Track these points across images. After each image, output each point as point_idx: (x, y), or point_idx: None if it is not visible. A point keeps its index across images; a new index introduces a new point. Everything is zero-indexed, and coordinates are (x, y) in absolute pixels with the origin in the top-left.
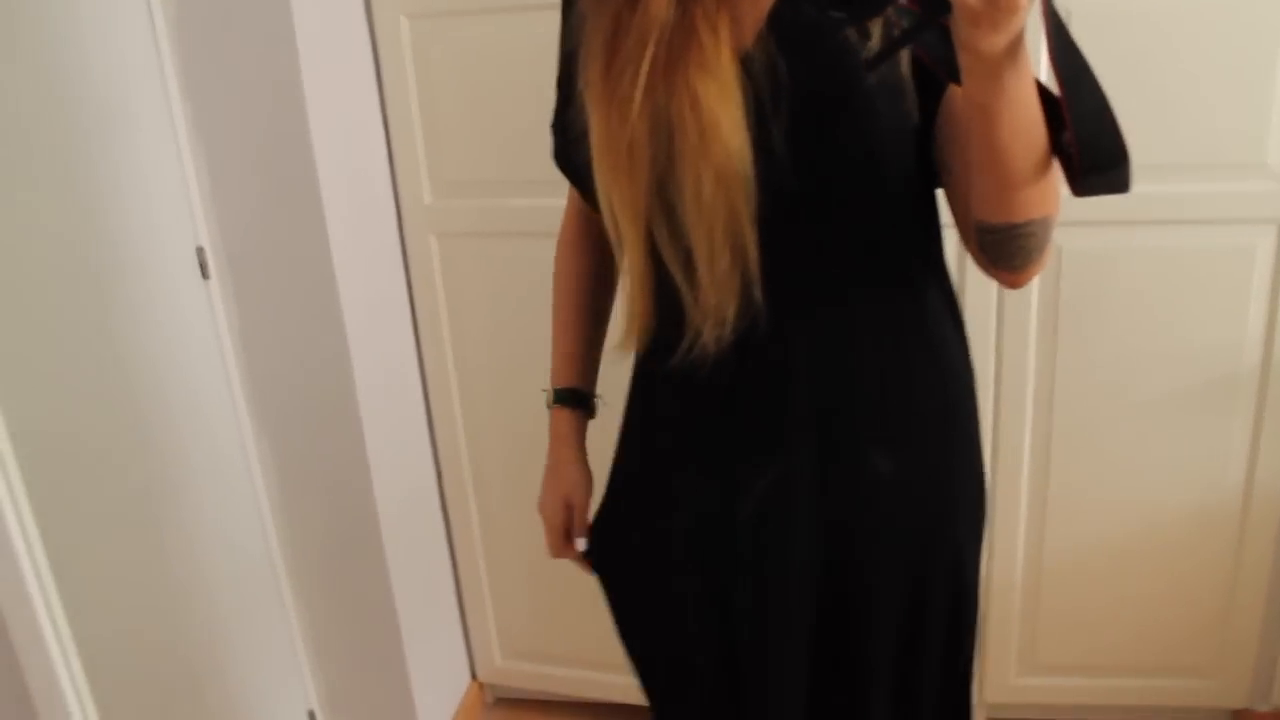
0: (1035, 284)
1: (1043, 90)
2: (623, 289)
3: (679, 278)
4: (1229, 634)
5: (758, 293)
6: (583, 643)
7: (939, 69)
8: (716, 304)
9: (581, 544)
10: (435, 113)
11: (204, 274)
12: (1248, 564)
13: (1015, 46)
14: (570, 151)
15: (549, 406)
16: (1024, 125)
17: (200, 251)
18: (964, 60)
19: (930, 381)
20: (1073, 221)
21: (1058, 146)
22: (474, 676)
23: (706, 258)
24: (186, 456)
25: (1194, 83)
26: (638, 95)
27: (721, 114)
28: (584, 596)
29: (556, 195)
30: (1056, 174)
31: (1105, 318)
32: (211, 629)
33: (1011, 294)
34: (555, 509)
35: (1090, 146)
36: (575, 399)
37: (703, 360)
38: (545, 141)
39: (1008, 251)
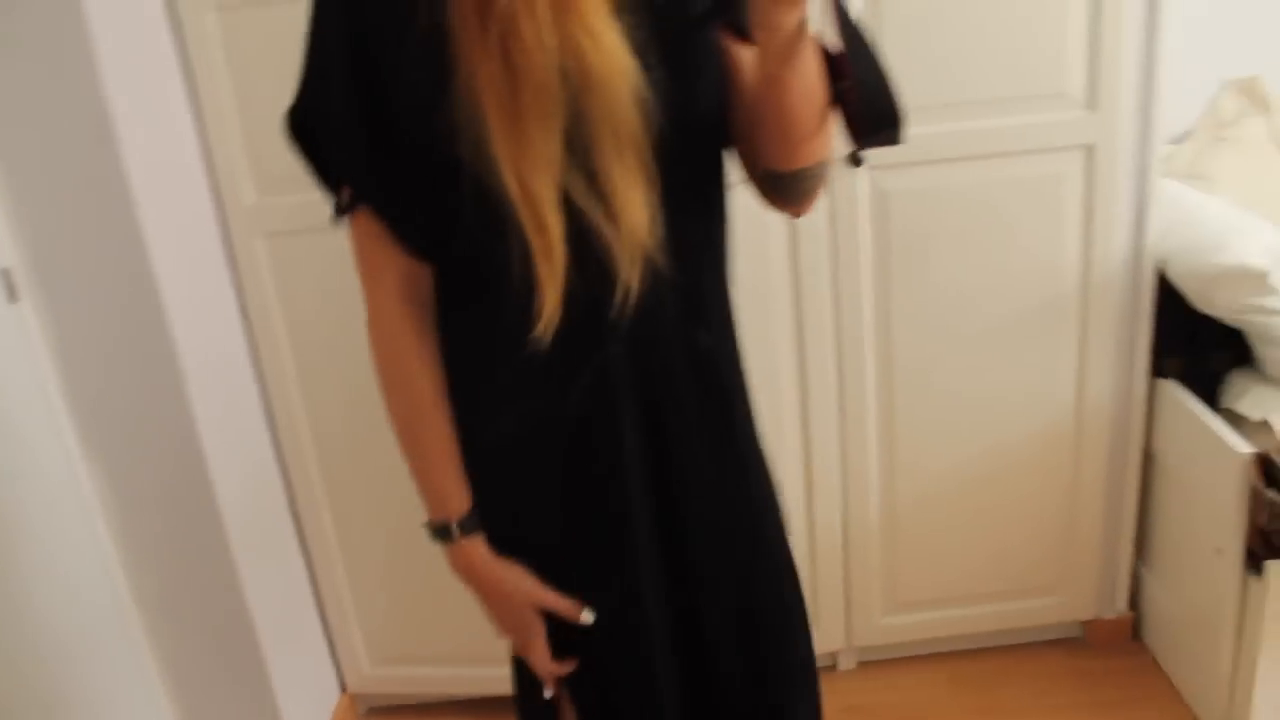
0: (867, 229)
1: (824, 52)
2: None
3: (601, 220)
4: (1073, 551)
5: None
6: (451, 640)
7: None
8: (639, 241)
9: (589, 615)
10: (254, 108)
11: (12, 296)
12: (1084, 481)
13: (803, 23)
14: (400, 146)
15: (448, 542)
16: (808, 89)
17: (6, 273)
18: (760, 37)
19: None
20: (897, 163)
21: (836, 99)
22: (344, 688)
23: (624, 191)
24: (12, 490)
25: (997, 20)
26: (537, 39)
27: (616, 45)
28: (447, 593)
29: None
30: (832, 123)
31: (934, 255)
32: (57, 665)
33: (845, 239)
34: (530, 621)
35: (868, 110)
36: (476, 523)
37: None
38: None
39: (796, 192)
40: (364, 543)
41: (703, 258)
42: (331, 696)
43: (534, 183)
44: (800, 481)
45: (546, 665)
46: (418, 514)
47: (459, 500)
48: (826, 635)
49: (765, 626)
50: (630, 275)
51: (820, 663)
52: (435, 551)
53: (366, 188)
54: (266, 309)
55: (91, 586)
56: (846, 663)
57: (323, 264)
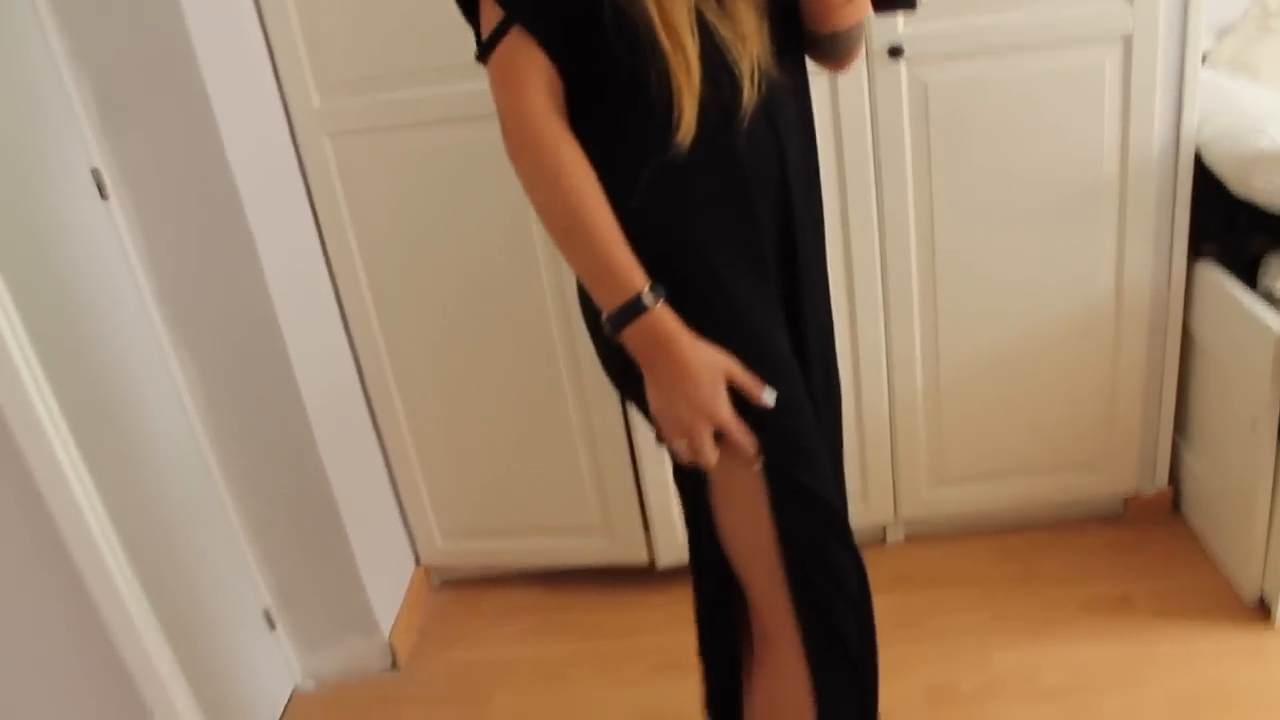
0: (906, 118)
1: None
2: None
3: (730, 36)
4: (1114, 427)
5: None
6: (517, 513)
7: None
8: (760, 54)
9: (770, 395)
10: (313, 13)
11: (102, 195)
12: (1124, 360)
13: None
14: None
15: (640, 312)
16: None
17: (96, 173)
18: None
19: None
20: (937, 55)
21: None
22: (418, 561)
23: (744, 11)
24: (110, 377)
25: None
26: None
27: None
28: (514, 466)
29: (444, 83)
30: None
31: (974, 144)
32: (158, 543)
33: (886, 131)
34: (721, 394)
35: None
36: (663, 290)
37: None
38: (428, 30)
39: (835, 51)
40: (432, 422)
41: (801, 71)
42: (407, 569)
43: (672, 9)
44: (848, 362)
45: (743, 433)
46: (483, 393)
47: (640, 272)
48: (875, 509)
49: (834, 394)
50: (753, 83)
51: (869, 535)
52: (501, 428)
53: (522, 10)
54: (334, 202)
55: (187, 472)
56: (894, 535)
57: (384, 160)
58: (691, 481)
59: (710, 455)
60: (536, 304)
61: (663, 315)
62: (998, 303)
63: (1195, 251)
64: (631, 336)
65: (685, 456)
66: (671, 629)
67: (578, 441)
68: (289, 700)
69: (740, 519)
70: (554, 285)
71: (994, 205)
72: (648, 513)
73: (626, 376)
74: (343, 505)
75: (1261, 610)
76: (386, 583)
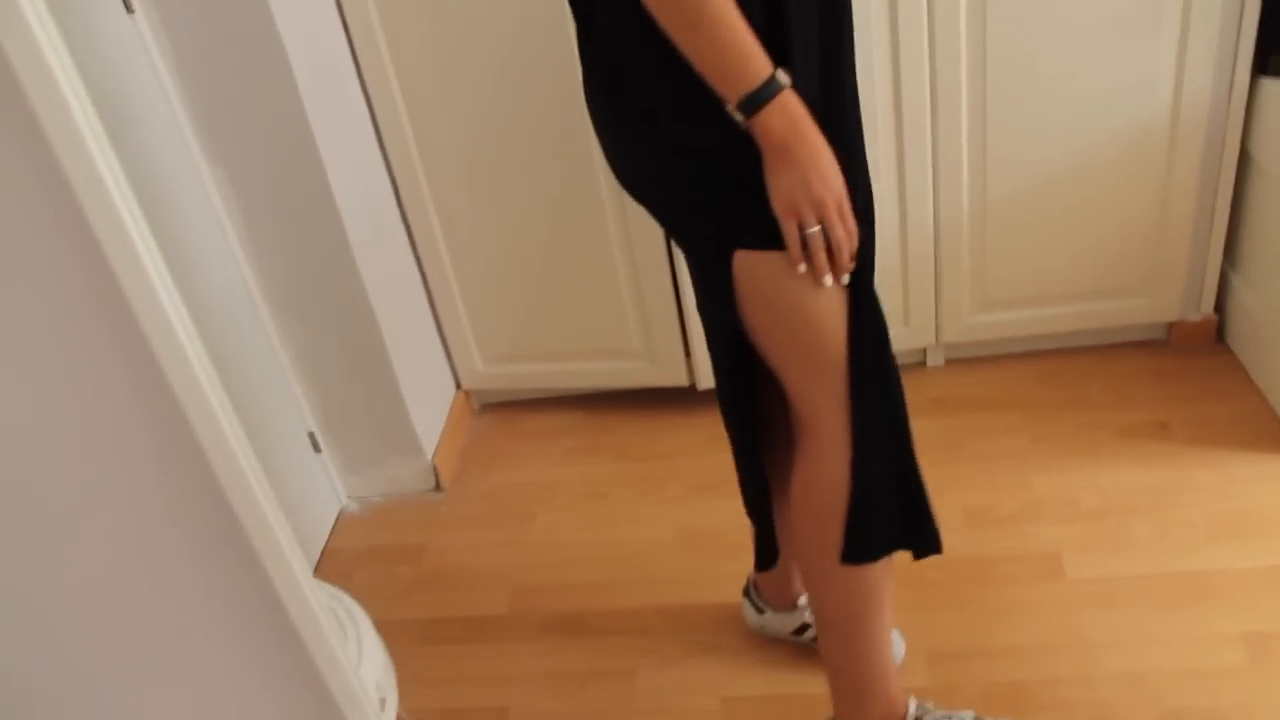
0: None
1: None
2: None
3: None
4: (1162, 252)
5: None
6: (557, 336)
7: None
8: None
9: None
10: None
11: (128, 8)
12: (1176, 182)
13: None
14: None
15: (778, 91)
16: None
17: None
18: None
19: None
20: None
21: None
22: (459, 385)
23: None
24: (145, 198)
25: None
26: None
27: None
28: (552, 290)
29: None
30: None
31: None
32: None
33: None
34: (842, 180)
35: None
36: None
37: None
38: None
39: None
40: (470, 246)
41: None
42: (449, 393)
43: None
44: (893, 177)
45: (853, 231)
46: (521, 215)
47: (765, 59)
48: (916, 332)
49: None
50: None
51: (909, 359)
52: (541, 252)
53: None
54: (369, 23)
55: (227, 293)
56: (934, 359)
57: None
58: (720, 292)
59: (846, 235)
60: (579, 122)
61: (790, 100)
62: (1049, 118)
63: (1260, 67)
64: (768, 118)
65: (813, 245)
66: (710, 450)
67: (619, 265)
68: (335, 522)
69: (807, 316)
70: None
71: (1050, 12)
72: (688, 335)
73: (660, 185)
74: (385, 328)
75: None
76: (429, 406)
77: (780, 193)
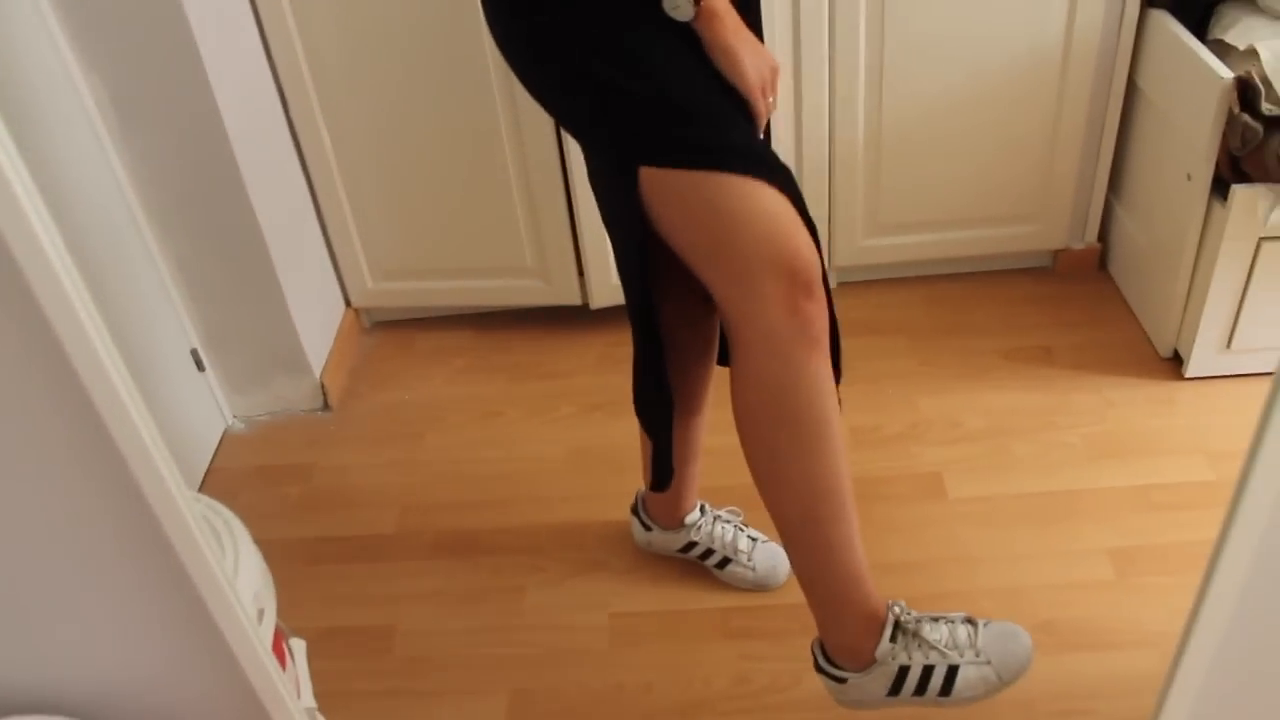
0: None
1: None
2: None
3: None
4: (1050, 180)
5: None
6: (449, 254)
7: None
8: None
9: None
10: None
11: None
12: (1067, 110)
13: None
14: None
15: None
16: None
17: None
18: None
19: None
20: None
21: None
22: (348, 303)
23: None
24: (13, 100)
25: None
26: None
27: None
28: (445, 207)
29: None
30: None
31: None
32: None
33: None
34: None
35: None
36: None
37: None
38: None
39: None
40: (361, 162)
41: None
42: (338, 311)
43: None
44: (789, 100)
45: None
46: (413, 131)
47: None
48: None
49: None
50: None
51: None
52: (434, 168)
53: None
54: None
55: (104, 206)
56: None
57: None
58: (627, 205)
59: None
60: (470, 31)
61: None
62: (945, 44)
63: (1149, 0)
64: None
65: (768, 114)
66: (603, 370)
67: (513, 182)
68: (220, 440)
69: (729, 218)
70: None
71: None
72: (582, 254)
73: (564, 93)
74: (271, 243)
75: (1175, 363)
76: (317, 324)
77: (747, 72)
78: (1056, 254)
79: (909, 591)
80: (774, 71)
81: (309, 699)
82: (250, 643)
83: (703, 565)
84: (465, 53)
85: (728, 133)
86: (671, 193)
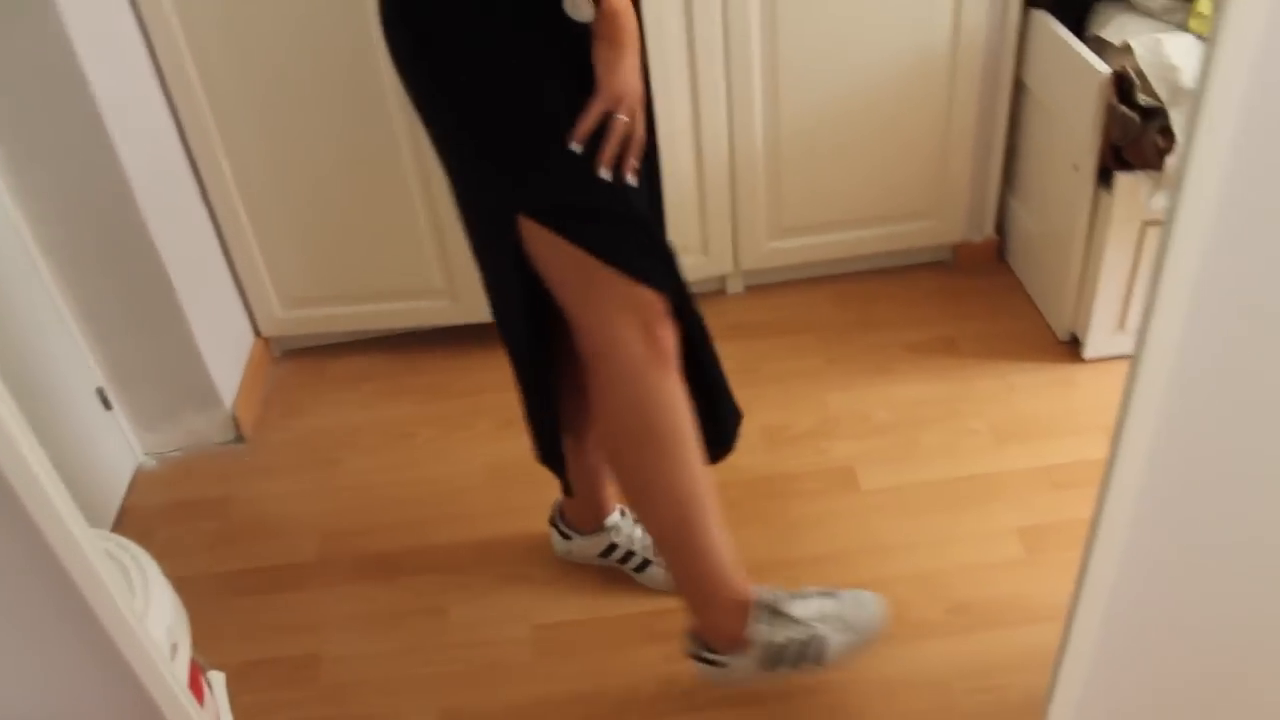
0: None
1: None
2: None
3: None
4: (946, 176)
5: None
6: (357, 278)
7: None
8: None
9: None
10: None
11: None
12: (958, 109)
13: None
14: None
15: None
16: None
17: None
18: None
19: None
20: None
21: None
22: (257, 333)
23: None
24: None
25: None
26: None
27: None
28: (350, 231)
29: None
30: None
31: None
32: None
33: None
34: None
35: None
36: None
37: None
38: None
39: None
40: (264, 191)
41: None
42: (246, 341)
43: None
44: (688, 108)
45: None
46: (315, 156)
47: None
48: (715, 260)
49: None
50: None
51: (709, 287)
52: (336, 192)
53: None
54: None
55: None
56: (734, 286)
57: None
58: (507, 250)
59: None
60: (366, 55)
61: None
62: (838, 49)
63: (1030, 1)
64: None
65: (619, 133)
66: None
67: (416, 202)
68: (133, 478)
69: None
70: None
71: None
72: None
73: (452, 132)
74: (175, 278)
75: (1073, 346)
76: (226, 355)
77: (615, 78)
78: (956, 248)
79: (823, 582)
80: (638, 99)
81: None
82: (163, 680)
83: (622, 570)
84: (361, 76)
85: (611, 198)
86: (546, 240)
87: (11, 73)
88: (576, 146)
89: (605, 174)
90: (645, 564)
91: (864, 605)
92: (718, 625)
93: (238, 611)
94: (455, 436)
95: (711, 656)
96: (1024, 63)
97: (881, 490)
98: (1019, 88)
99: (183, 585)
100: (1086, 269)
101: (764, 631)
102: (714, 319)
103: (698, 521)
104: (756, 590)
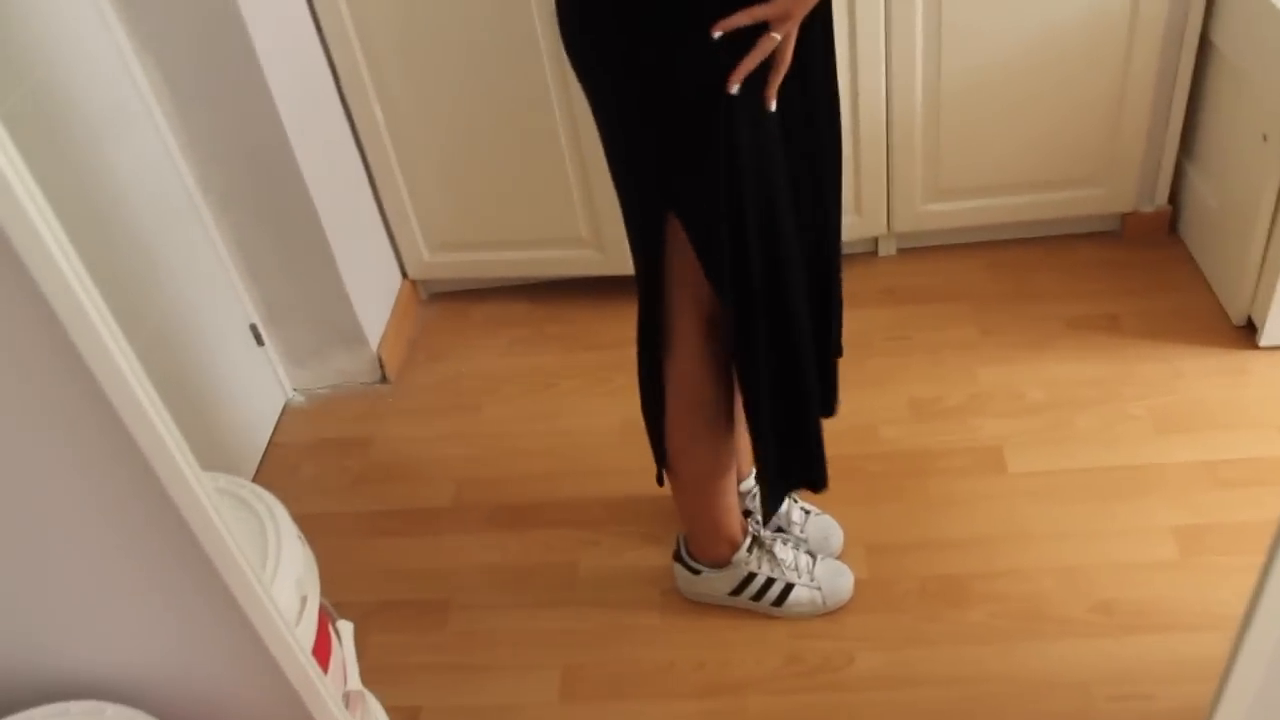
0: None
1: None
2: None
3: None
4: (1118, 143)
5: None
6: (504, 225)
7: None
8: None
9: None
10: None
11: None
12: (1135, 69)
13: None
14: None
15: None
16: None
17: None
18: None
19: None
20: None
21: None
22: (405, 275)
23: None
24: (70, 85)
25: None
26: None
27: None
28: (499, 178)
29: None
30: None
31: None
32: (137, 256)
33: None
34: None
35: None
36: None
37: None
38: None
39: None
40: (414, 136)
41: None
42: (394, 283)
43: None
44: (846, 63)
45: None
46: (466, 103)
47: None
48: (869, 221)
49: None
50: None
51: (861, 248)
52: (487, 139)
53: None
54: None
55: (163, 186)
56: (886, 248)
57: None
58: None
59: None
60: (521, 4)
61: None
62: (1006, 4)
63: None
64: None
65: (766, 50)
66: None
67: (566, 153)
68: (280, 414)
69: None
70: None
71: None
72: None
73: (608, 69)
74: (326, 218)
75: (1248, 331)
76: (373, 296)
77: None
78: (1125, 217)
79: (962, 569)
80: (795, 23)
81: (355, 681)
82: (288, 647)
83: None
84: (513, 22)
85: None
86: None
87: (174, 21)
88: (734, 87)
89: (734, 89)
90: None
91: (839, 575)
92: (706, 548)
93: (374, 553)
94: (594, 390)
95: (691, 563)
96: (1212, 18)
97: (1030, 474)
98: (1205, 46)
99: (323, 523)
100: (1270, 248)
101: (746, 559)
102: (865, 281)
103: (725, 473)
104: (752, 525)
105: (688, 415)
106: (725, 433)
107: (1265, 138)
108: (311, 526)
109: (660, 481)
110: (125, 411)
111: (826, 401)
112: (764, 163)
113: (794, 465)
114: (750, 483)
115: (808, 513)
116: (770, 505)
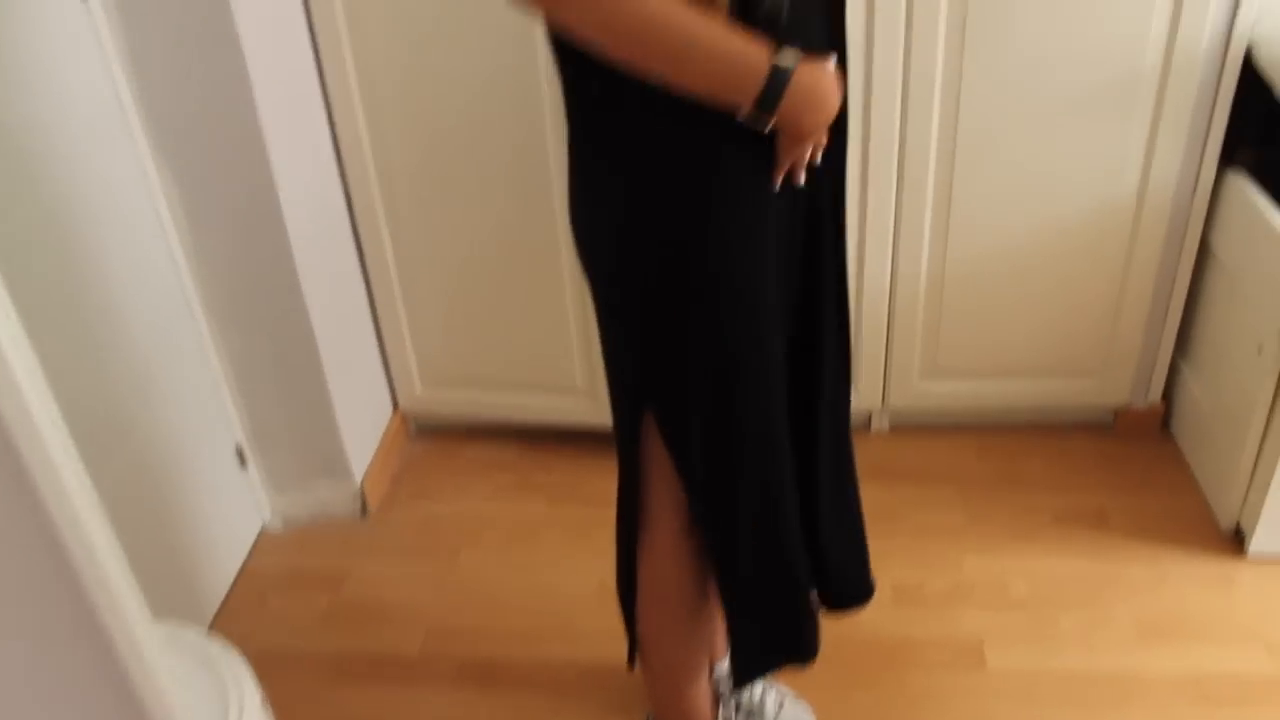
0: None
1: None
2: None
3: None
4: (1115, 335)
5: None
6: (501, 365)
7: None
8: None
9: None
10: None
11: None
12: (1136, 266)
13: None
14: None
15: (791, 71)
16: None
17: None
18: None
19: None
20: None
21: None
22: (396, 406)
23: None
24: (84, 190)
25: None
26: None
27: None
28: (499, 319)
29: None
30: None
31: (1014, 18)
32: (132, 370)
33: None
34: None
35: None
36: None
37: None
38: None
39: None
40: (420, 267)
41: None
42: (385, 415)
43: None
44: (853, 234)
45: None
46: (475, 244)
47: (762, 45)
48: (864, 395)
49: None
50: None
51: (854, 422)
52: (492, 280)
53: None
54: (335, 33)
55: (164, 299)
56: (879, 424)
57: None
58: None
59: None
60: (537, 154)
61: (807, 61)
62: (1015, 192)
63: (1228, 159)
64: (796, 89)
65: (801, 159)
66: None
67: (568, 300)
68: (256, 539)
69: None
70: (556, 132)
71: (1025, 87)
72: None
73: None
74: (323, 345)
75: (1236, 540)
76: (362, 427)
77: (794, 146)
78: (1117, 411)
79: None
80: (820, 135)
81: None
82: None
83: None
84: (527, 167)
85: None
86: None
87: (201, 138)
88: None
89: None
90: None
91: None
92: None
93: (335, 704)
94: (576, 546)
95: None
96: (1212, 225)
97: (1009, 673)
98: (1205, 251)
99: (285, 663)
100: (1261, 457)
101: None
102: (857, 457)
103: (699, 665)
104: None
105: (656, 610)
106: (699, 629)
107: (1260, 350)
108: (273, 665)
109: (631, 664)
110: (99, 604)
111: (860, 581)
112: (755, 369)
113: (779, 642)
114: (726, 665)
115: (781, 703)
116: (742, 678)
